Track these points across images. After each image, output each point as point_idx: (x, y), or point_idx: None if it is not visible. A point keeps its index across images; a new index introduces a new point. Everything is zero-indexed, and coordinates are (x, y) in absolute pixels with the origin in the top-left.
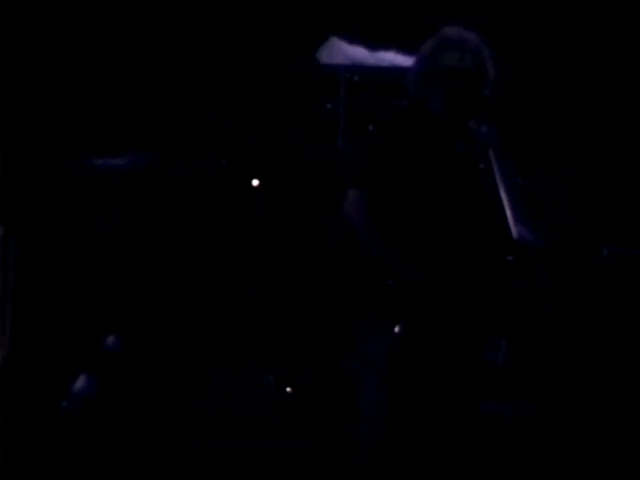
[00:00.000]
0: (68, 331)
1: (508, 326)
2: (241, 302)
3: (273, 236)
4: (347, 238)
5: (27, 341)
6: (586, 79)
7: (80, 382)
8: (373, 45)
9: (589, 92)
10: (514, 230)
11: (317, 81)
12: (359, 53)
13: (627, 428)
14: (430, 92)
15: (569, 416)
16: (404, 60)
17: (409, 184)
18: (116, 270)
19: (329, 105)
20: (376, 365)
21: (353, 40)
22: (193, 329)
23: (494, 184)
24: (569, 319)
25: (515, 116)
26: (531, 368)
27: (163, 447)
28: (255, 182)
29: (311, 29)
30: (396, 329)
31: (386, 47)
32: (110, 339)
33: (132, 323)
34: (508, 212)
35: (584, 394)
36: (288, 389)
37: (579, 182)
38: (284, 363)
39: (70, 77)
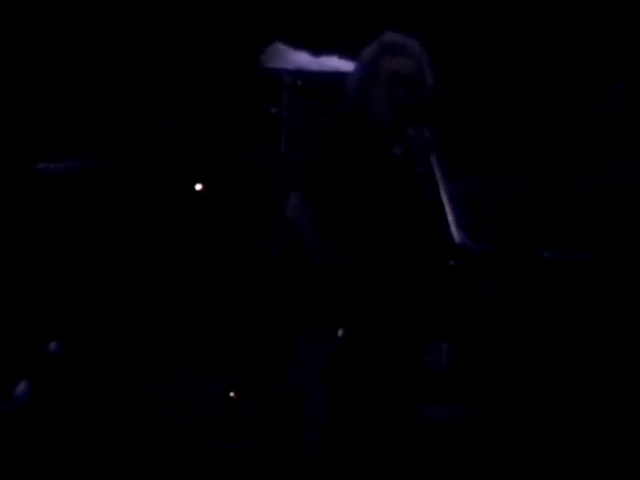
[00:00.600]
0: (10, 336)
1: (450, 330)
2: (184, 307)
3: (216, 240)
4: (290, 243)
5: None
6: (524, 84)
7: (21, 387)
8: (316, 50)
9: (526, 95)
10: (456, 235)
11: (261, 85)
12: (302, 58)
13: (569, 430)
14: (371, 97)
15: (510, 420)
16: (347, 65)
17: (349, 189)
18: (56, 274)
19: (273, 109)
20: (317, 370)
21: (296, 45)
22: (135, 333)
23: (435, 189)
24: (511, 322)
25: (455, 120)
26: (473, 372)
27: (105, 451)
28: (198, 187)
29: (255, 33)
30: (339, 333)
31: (329, 52)
32: (52, 344)
33: (74, 328)
34: (450, 217)
35: (525, 397)
36: (232, 394)
37: (519, 186)
38: (228, 368)
39: (9, 81)
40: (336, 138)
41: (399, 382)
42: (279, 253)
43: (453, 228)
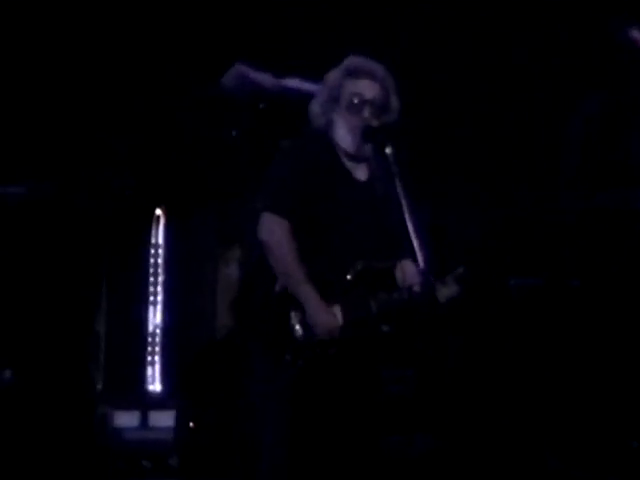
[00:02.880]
0: None
1: (415, 358)
2: (142, 337)
3: (178, 266)
4: (254, 269)
5: None
6: (492, 112)
7: None
8: (278, 72)
9: (493, 123)
10: (420, 260)
11: (222, 108)
12: (264, 80)
13: (532, 460)
14: (335, 120)
15: (472, 450)
16: (309, 87)
17: (313, 212)
18: (13, 302)
19: (234, 132)
20: (277, 400)
21: (258, 67)
22: (88, 364)
23: (400, 212)
24: (477, 349)
25: (420, 147)
26: (437, 401)
27: None
28: (158, 211)
29: (216, 55)
30: (299, 362)
31: (291, 74)
32: (6, 373)
33: (27, 358)
34: (414, 241)
35: (490, 425)
36: (191, 424)
37: (485, 212)
38: (187, 398)
39: None
40: (302, 160)
41: (360, 411)
42: (242, 281)
43: (417, 253)
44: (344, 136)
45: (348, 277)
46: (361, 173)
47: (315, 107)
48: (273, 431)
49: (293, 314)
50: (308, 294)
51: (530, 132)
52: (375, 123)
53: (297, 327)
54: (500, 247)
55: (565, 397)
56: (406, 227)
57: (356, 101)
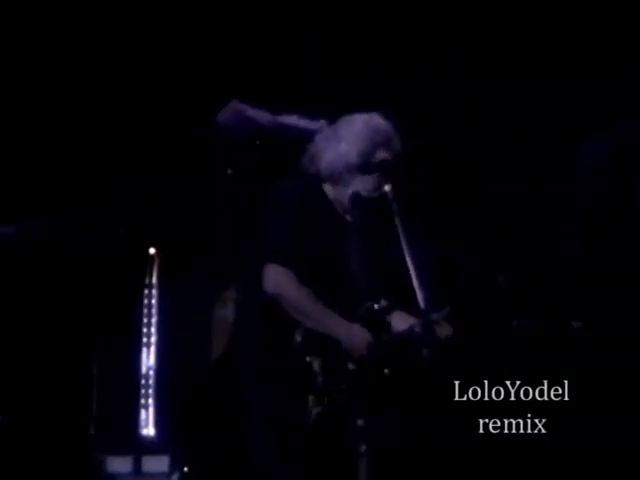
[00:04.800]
0: None
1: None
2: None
3: (172, 307)
4: (268, 318)
5: None
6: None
7: None
8: (275, 109)
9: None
10: (421, 299)
11: (217, 145)
12: (261, 116)
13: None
14: (349, 178)
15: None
16: (306, 124)
17: (314, 259)
18: (2, 344)
19: (229, 170)
20: (290, 445)
21: (255, 104)
22: (80, 409)
23: (401, 252)
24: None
25: (420, 184)
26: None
27: None
28: (152, 250)
29: (212, 92)
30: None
31: (288, 111)
32: None
33: (17, 401)
34: (415, 281)
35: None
36: (185, 469)
37: (488, 251)
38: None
39: None
40: (300, 208)
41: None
42: (241, 328)
43: (418, 293)
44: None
45: (375, 306)
46: (348, 216)
47: (328, 160)
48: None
49: (314, 361)
50: (337, 321)
51: (535, 172)
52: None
53: (318, 374)
54: (500, 288)
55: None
56: (406, 266)
57: (383, 172)
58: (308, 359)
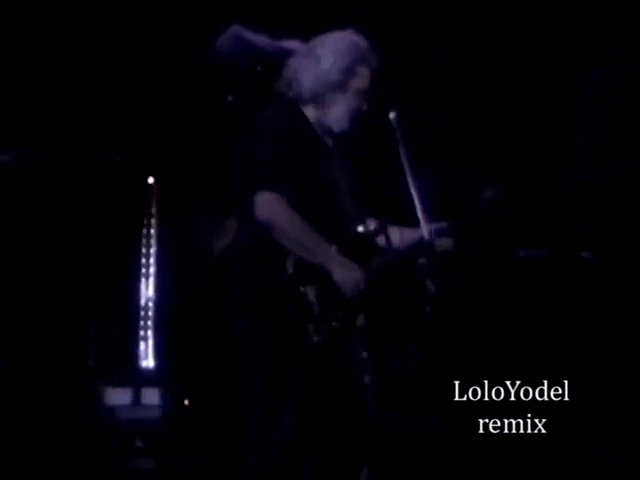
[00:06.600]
0: None
1: (419, 333)
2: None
3: (170, 240)
4: (252, 242)
5: None
6: (496, 73)
7: None
8: (276, 34)
9: (498, 86)
10: (425, 230)
11: (217, 71)
12: (262, 42)
13: (537, 444)
14: (333, 99)
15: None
16: None
17: (303, 184)
18: None
19: (230, 97)
20: (286, 374)
21: (256, 29)
22: (78, 339)
23: (404, 181)
24: (484, 322)
25: (426, 110)
26: (441, 378)
27: (50, 463)
28: (151, 180)
29: (212, 18)
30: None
31: (289, 36)
32: None
33: (17, 335)
34: (419, 211)
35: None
36: (186, 402)
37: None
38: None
39: None
40: (286, 133)
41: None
42: (239, 253)
43: (422, 223)
44: (342, 117)
45: (360, 229)
46: (328, 139)
47: (308, 79)
48: (281, 403)
49: (309, 291)
50: (329, 252)
51: (543, 100)
52: (366, 107)
53: (314, 303)
54: (508, 216)
55: (572, 371)
56: (411, 196)
57: (364, 89)
58: (302, 289)
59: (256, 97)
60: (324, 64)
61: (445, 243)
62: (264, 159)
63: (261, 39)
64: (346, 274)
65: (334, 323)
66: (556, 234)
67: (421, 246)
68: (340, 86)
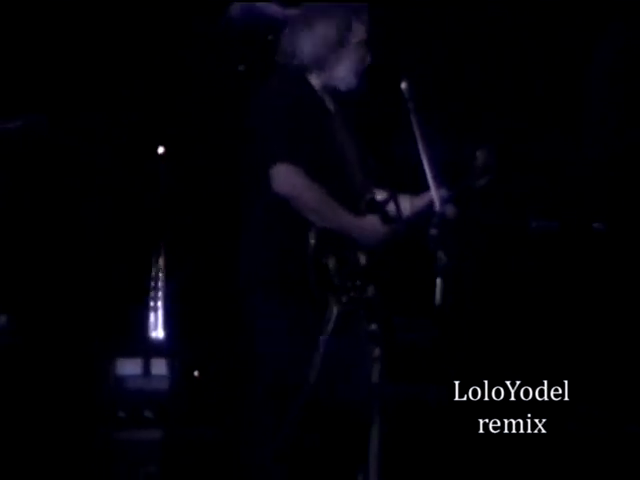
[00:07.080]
0: None
1: (432, 306)
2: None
3: (182, 210)
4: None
5: None
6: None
7: None
8: (287, 3)
9: (511, 57)
10: (437, 200)
11: (228, 40)
12: (272, 10)
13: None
14: (336, 59)
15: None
16: None
17: (313, 154)
18: (8, 241)
19: (241, 66)
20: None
21: None
22: (88, 310)
23: (415, 150)
24: (495, 293)
25: (436, 82)
26: (456, 349)
27: (60, 434)
28: (161, 150)
29: None
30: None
31: (300, 4)
32: (1, 319)
33: (24, 302)
34: (430, 180)
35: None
36: (196, 373)
37: (508, 152)
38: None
39: None
40: (295, 105)
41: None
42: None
43: (433, 191)
44: (347, 74)
45: (370, 197)
46: (329, 103)
47: (307, 45)
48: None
49: (329, 262)
50: (350, 217)
51: (554, 69)
52: (369, 61)
53: (335, 274)
54: (520, 187)
55: (582, 343)
56: (422, 164)
57: (362, 45)
58: (324, 260)
59: (267, 66)
60: (320, 28)
61: (449, 211)
62: (276, 132)
63: (272, 7)
64: (369, 230)
65: (352, 293)
66: (568, 205)
67: (431, 215)
68: (339, 44)
